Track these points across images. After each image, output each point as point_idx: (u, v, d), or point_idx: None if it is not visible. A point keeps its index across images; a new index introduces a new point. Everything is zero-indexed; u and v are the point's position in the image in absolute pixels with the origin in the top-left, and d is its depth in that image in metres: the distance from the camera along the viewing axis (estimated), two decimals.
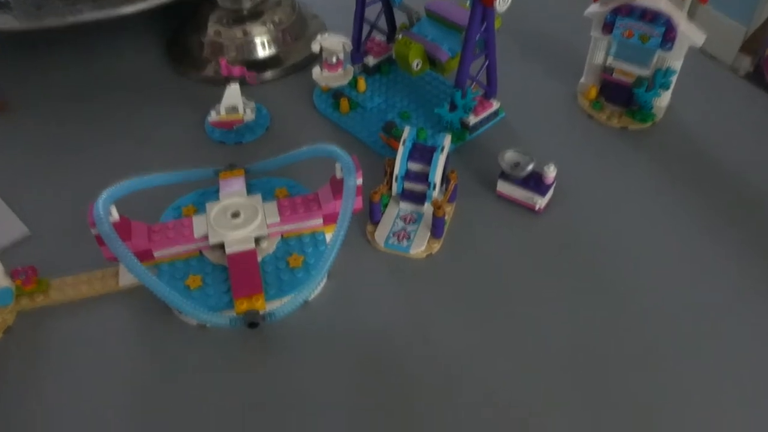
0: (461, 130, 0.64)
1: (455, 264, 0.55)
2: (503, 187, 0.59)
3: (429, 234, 0.56)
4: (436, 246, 0.56)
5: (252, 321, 0.46)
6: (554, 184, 0.58)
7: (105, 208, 0.48)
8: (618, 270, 0.55)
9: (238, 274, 0.49)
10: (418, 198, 0.57)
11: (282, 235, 0.54)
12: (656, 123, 0.67)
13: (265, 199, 0.54)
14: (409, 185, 0.58)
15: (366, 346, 0.50)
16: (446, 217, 0.57)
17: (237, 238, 0.51)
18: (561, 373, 0.48)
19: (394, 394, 0.47)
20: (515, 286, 0.54)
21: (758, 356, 0.49)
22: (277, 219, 0.52)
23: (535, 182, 0.58)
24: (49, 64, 0.78)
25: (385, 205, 0.58)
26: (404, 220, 0.57)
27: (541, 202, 0.58)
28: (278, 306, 0.48)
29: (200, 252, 0.53)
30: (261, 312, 0.47)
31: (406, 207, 0.58)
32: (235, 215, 0.52)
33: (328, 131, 0.68)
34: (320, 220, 0.53)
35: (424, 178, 0.57)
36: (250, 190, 0.56)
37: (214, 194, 0.56)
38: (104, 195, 0.49)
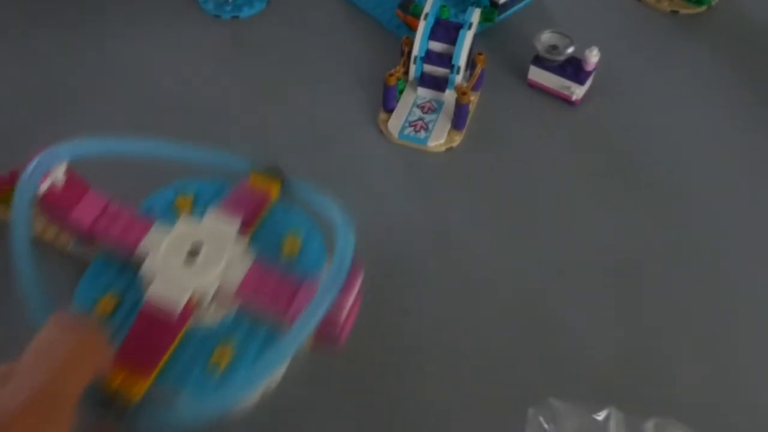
0: (490, 9, 0.56)
1: (478, 160, 0.49)
2: (536, 75, 0.52)
3: (449, 125, 0.49)
4: (458, 139, 0.49)
5: (105, 404, 0.30)
6: (594, 73, 0.51)
7: (37, 175, 0.34)
8: (663, 171, 0.48)
9: (141, 335, 0.33)
10: (439, 83, 0.50)
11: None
12: (712, 6, 0.59)
13: (266, 239, 0.37)
14: (430, 68, 0.50)
15: (375, 251, 0.44)
16: (470, 107, 0.50)
17: (168, 285, 0.33)
18: (597, 280, 0.43)
19: (408, 305, 0.42)
20: (546, 186, 0.47)
21: None
22: (234, 288, 0.34)
23: (573, 69, 0.50)
24: None
25: (401, 92, 0.51)
26: (422, 108, 0.50)
27: (578, 91, 0.51)
28: (162, 405, 0.31)
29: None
30: (128, 404, 0.30)
31: (424, 93, 0.51)
32: (194, 252, 0.35)
33: (337, 6, 0.59)
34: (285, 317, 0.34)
35: (446, 60, 0.49)
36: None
37: (222, 192, 0.38)
38: (40, 159, 0.34)
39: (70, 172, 0.36)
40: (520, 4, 0.59)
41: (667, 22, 0.58)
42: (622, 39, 0.57)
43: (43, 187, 0.35)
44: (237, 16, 0.58)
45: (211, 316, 0.35)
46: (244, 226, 0.36)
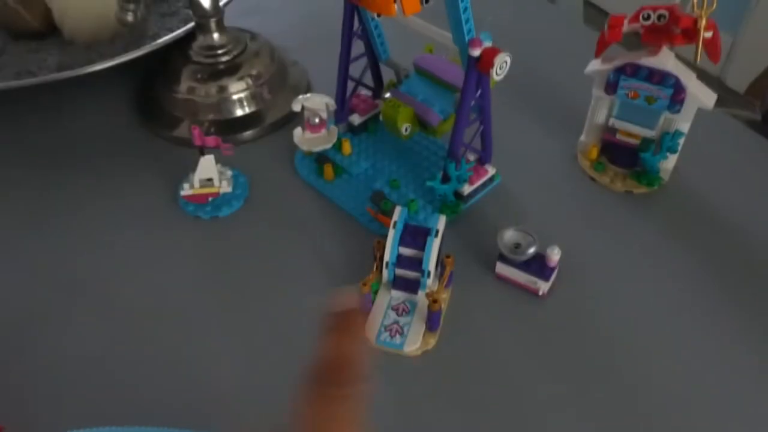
0: (455, 201, 0.60)
1: (453, 361, 0.50)
2: (503, 270, 0.55)
3: (424, 327, 0.51)
4: (432, 341, 0.51)
5: None
6: (558, 266, 0.54)
7: None
8: (631, 357, 0.50)
9: None
10: (412, 285, 0.53)
11: None
12: (663, 185, 0.63)
13: None
14: (401, 272, 0.53)
15: None
16: (442, 305, 0.52)
17: None
18: None
19: None
20: (521, 383, 0.49)
21: None
22: None
23: (537, 266, 0.53)
24: None
25: (375, 292, 0.53)
26: (396, 310, 0.52)
27: (544, 286, 0.53)
28: None
29: None
30: None
31: (398, 295, 0.53)
32: None
33: (311, 201, 0.62)
34: None
35: (417, 264, 0.52)
36: None
37: None
38: None
39: None
40: (483, 192, 0.62)
41: (622, 202, 0.62)
42: (580, 222, 0.60)
43: None
44: (216, 216, 0.61)
45: None
46: None
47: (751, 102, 0.77)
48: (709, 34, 0.53)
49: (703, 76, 0.58)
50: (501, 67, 0.52)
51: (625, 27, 0.56)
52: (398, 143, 0.66)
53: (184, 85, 0.69)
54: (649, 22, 0.55)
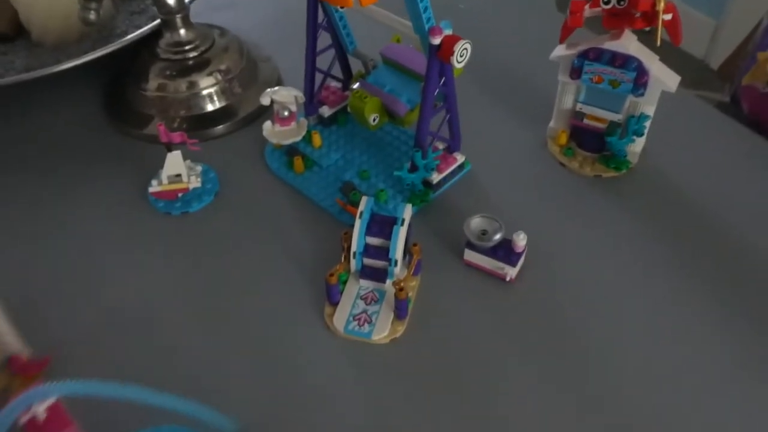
0: (424, 190, 0.60)
1: (422, 348, 0.51)
2: (471, 256, 0.55)
3: (392, 315, 0.52)
4: (401, 329, 0.51)
5: None
6: (525, 252, 0.54)
7: (17, 410, 0.34)
8: (600, 340, 0.51)
9: None
10: (380, 275, 0.53)
11: None
12: (632, 169, 0.63)
13: None
14: (369, 261, 0.53)
15: None
16: (410, 294, 0.53)
17: None
18: None
19: None
20: (489, 370, 0.49)
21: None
22: None
23: (504, 251, 0.53)
24: None
25: (344, 283, 0.54)
26: (365, 300, 0.53)
27: (512, 272, 0.54)
28: None
29: None
30: None
31: (366, 284, 0.53)
32: None
33: (281, 195, 0.62)
34: None
35: (384, 253, 0.52)
36: None
37: None
38: (25, 396, 0.34)
39: (54, 407, 0.40)
40: (453, 180, 0.62)
41: (591, 186, 0.62)
42: (550, 207, 0.61)
43: (23, 419, 0.39)
44: (186, 212, 0.61)
45: None
46: None
47: (721, 83, 0.77)
48: (668, 17, 0.54)
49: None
50: (461, 54, 0.52)
51: (587, 12, 0.56)
52: (368, 134, 0.66)
53: (153, 82, 0.69)
54: (609, 6, 0.55)
